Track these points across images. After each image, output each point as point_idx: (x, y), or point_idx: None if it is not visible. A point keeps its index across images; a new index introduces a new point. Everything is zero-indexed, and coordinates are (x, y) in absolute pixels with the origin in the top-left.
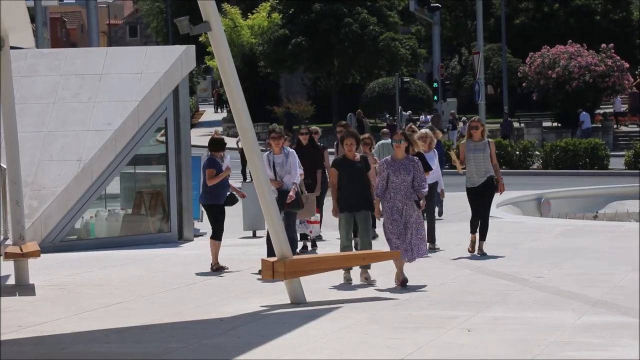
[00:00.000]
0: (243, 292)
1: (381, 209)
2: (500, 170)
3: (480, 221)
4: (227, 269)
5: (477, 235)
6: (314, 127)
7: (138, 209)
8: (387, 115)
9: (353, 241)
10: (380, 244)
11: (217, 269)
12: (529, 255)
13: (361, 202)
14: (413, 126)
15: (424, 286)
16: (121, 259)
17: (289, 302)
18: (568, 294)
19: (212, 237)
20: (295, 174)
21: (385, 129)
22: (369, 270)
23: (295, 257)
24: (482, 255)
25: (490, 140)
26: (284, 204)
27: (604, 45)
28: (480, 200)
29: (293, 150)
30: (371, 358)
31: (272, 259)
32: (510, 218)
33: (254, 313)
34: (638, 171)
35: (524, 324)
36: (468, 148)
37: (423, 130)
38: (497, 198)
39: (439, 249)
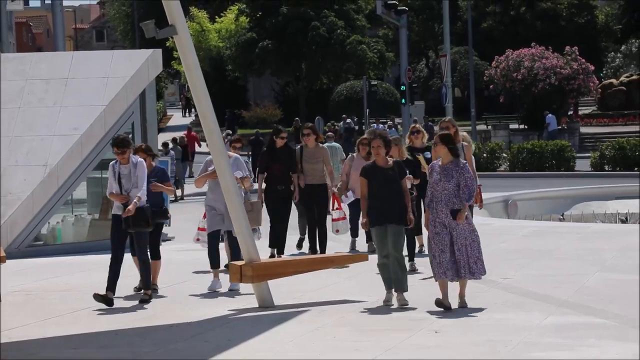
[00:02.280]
0: (212, 296)
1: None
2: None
3: None
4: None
5: None
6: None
7: (105, 214)
8: (355, 119)
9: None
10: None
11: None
12: (496, 257)
13: (393, 214)
14: (418, 125)
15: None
16: (88, 264)
17: (257, 305)
18: (535, 295)
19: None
20: (142, 187)
21: (330, 132)
22: (405, 294)
23: (263, 260)
24: None
25: (464, 143)
26: (127, 222)
27: (568, 47)
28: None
29: (142, 160)
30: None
31: (239, 263)
32: (478, 220)
33: (222, 317)
34: (604, 172)
35: (491, 325)
36: None
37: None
38: None
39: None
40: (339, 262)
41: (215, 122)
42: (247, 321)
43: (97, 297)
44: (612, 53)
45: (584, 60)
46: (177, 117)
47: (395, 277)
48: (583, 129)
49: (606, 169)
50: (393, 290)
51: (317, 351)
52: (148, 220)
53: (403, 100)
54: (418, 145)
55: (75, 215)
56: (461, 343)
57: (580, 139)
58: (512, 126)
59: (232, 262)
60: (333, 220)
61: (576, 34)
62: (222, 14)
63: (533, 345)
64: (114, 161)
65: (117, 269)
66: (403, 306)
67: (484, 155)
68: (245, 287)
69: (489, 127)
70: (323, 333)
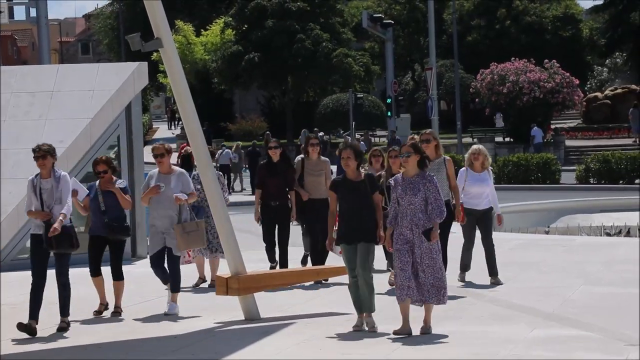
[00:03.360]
0: (197, 309)
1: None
2: None
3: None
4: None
5: None
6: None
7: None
8: (342, 132)
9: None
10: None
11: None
12: (482, 269)
13: (362, 232)
14: (416, 137)
15: (378, 303)
16: (73, 277)
17: (244, 318)
18: (521, 308)
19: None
20: (67, 203)
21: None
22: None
23: (249, 272)
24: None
25: (446, 157)
26: (50, 242)
27: (546, 61)
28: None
29: (66, 174)
30: None
31: (225, 275)
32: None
33: (208, 330)
34: (589, 185)
35: (477, 338)
36: None
37: (475, 147)
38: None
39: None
40: (325, 274)
41: (202, 134)
42: (234, 334)
43: (21, 326)
44: (599, 67)
45: (568, 74)
46: (163, 130)
47: (362, 299)
48: (568, 142)
49: (591, 182)
50: (363, 314)
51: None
52: (72, 241)
53: (389, 113)
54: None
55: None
56: (447, 356)
57: (566, 152)
58: (497, 139)
59: (218, 275)
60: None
61: (561, 48)
62: (207, 27)
63: (519, 358)
64: (33, 175)
65: (39, 295)
66: (372, 330)
67: None
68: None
69: (475, 139)
70: (309, 345)
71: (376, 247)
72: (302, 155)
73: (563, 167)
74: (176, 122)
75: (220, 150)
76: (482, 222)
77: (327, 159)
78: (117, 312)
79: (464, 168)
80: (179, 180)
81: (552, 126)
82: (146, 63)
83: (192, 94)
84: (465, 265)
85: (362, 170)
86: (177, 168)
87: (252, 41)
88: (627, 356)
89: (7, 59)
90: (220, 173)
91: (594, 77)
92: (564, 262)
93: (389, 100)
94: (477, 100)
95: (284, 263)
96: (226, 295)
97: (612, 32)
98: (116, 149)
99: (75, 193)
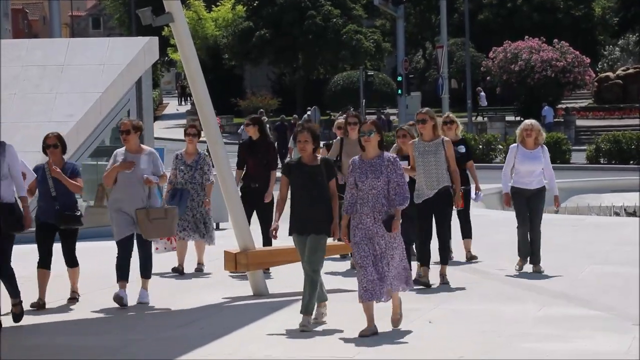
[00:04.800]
0: (205, 284)
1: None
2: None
3: (439, 244)
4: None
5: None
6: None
7: (100, 201)
8: (351, 109)
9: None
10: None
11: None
12: (492, 249)
13: (313, 222)
14: (451, 115)
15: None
16: (83, 251)
17: (252, 293)
18: (529, 287)
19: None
20: (19, 180)
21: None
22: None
23: (257, 248)
24: (444, 284)
25: (445, 138)
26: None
27: (555, 41)
28: (435, 219)
29: (11, 145)
30: (333, 348)
31: (234, 251)
32: (474, 211)
33: (216, 305)
34: (599, 165)
35: (485, 315)
36: (417, 150)
37: (527, 121)
38: None
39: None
40: (334, 251)
41: (212, 110)
42: (242, 309)
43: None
44: (610, 46)
45: (578, 52)
46: (173, 106)
47: (303, 296)
48: (579, 122)
49: (602, 162)
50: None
51: (310, 339)
52: (18, 221)
53: (399, 91)
54: (451, 137)
55: None
56: (454, 333)
57: (576, 132)
58: (508, 118)
59: (227, 250)
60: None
61: (573, 27)
62: (218, 3)
63: (526, 336)
64: None
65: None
66: (304, 330)
67: (480, 147)
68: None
69: (485, 118)
70: (317, 321)
71: None
72: (339, 135)
73: (573, 147)
74: (186, 98)
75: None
76: (532, 202)
77: None
78: (74, 298)
79: (514, 144)
80: (149, 161)
81: (563, 106)
82: (157, 38)
83: (202, 70)
84: (525, 253)
85: (317, 156)
86: (147, 147)
87: (263, 17)
88: (634, 335)
89: (18, 33)
90: (207, 153)
91: (605, 56)
92: (573, 242)
93: (399, 78)
94: (488, 78)
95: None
96: (234, 272)
97: (624, 11)
98: None
99: (23, 176)
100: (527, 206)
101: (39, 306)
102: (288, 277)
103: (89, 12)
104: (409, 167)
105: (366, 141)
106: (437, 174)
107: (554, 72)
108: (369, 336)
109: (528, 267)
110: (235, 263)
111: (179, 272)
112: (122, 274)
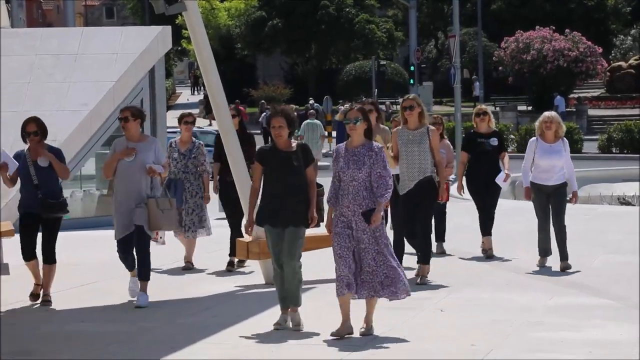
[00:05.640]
0: (218, 273)
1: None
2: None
3: (418, 239)
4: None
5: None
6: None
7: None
8: (363, 98)
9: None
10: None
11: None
12: (503, 238)
13: (289, 213)
14: (484, 106)
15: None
16: (96, 239)
17: (264, 282)
18: (541, 276)
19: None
20: None
21: (311, 110)
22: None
23: None
24: (421, 284)
25: (430, 127)
26: None
27: (567, 31)
28: (413, 212)
29: None
30: (344, 337)
31: (246, 239)
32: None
33: (229, 293)
34: (611, 155)
35: (496, 304)
36: (401, 139)
37: (547, 113)
38: None
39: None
40: (313, 244)
41: (224, 98)
42: (255, 297)
43: None
44: (622, 36)
45: (590, 43)
46: (185, 95)
47: (289, 291)
48: (591, 112)
49: (613, 151)
50: (288, 309)
51: (323, 327)
52: None
53: (412, 81)
54: (483, 130)
55: (84, 191)
56: (465, 322)
57: (588, 122)
58: (520, 108)
59: (239, 239)
60: None
61: (585, 16)
62: None
63: (538, 326)
64: None
65: None
66: (297, 328)
67: None
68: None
69: (497, 108)
70: (329, 310)
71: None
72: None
73: (585, 137)
74: (199, 87)
75: (264, 113)
76: (553, 199)
77: (386, 127)
78: (46, 301)
79: (533, 138)
80: (150, 149)
81: (575, 95)
82: (170, 27)
83: (215, 60)
84: (544, 250)
85: (293, 141)
86: (148, 135)
87: (275, 7)
88: None
89: (32, 22)
90: (202, 142)
91: (617, 46)
92: (584, 231)
93: (411, 68)
94: (500, 68)
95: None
96: (246, 259)
97: (637, 0)
98: None
99: (5, 167)
100: (548, 203)
101: (37, 294)
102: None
103: (103, 1)
104: (392, 155)
105: (351, 129)
106: (420, 165)
107: (566, 62)
108: (343, 338)
109: (535, 254)
110: (248, 251)
111: (189, 268)
112: (129, 265)
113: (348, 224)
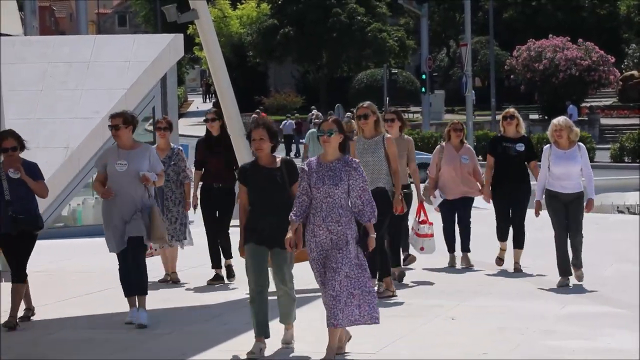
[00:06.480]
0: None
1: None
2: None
3: (379, 254)
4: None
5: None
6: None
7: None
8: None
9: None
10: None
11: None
12: (512, 247)
13: (275, 233)
14: (512, 109)
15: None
16: (102, 246)
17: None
18: (551, 285)
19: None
20: None
21: (316, 120)
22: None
23: None
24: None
25: (386, 135)
26: None
27: (580, 40)
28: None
29: None
30: (355, 345)
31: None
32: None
33: (239, 300)
34: (623, 164)
35: (507, 313)
36: (358, 149)
37: (555, 121)
38: None
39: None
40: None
41: (235, 104)
42: None
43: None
44: (634, 45)
45: (603, 52)
46: (197, 103)
47: (285, 312)
48: (603, 121)
49: (626, 160)
50: (264, 338)
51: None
52: None
53: (423, 89)
54: (510, 134)
55: (95, 198)
56: (476, 330)
57: (601, 131)
58: (532, 116)
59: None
60: (418, 235)
61: (597, 25)
62: (243, 1)
63: (549, 334)
64: None
65: None
66: (287, 346)
67: None
68: None
69: None
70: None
71: None
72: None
73: (597, 146)
74: (211, 95)
75: (285, 121)
76: (570, 209)
77: (410, 138)
78: (12, 327)
79: (547, 145)
80: (144, 157)
81: (587, 104)
82: (182, 35)
83: (227, 68)
84: (565, 270)
85: (277, 156)
86: (142, 143)
87: (287, 15)
88: None
89: (45, 30)
90: (181, 147)
91: (630, 55)
92: (597, 240)
93: (423, 76)
94: (512, 77)
95: (226, 250)
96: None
97: None
98: (151, 120)
99: None
100: (565, 213)
101: (28, 317)
102: (307, 273)
103: (115, 9)
104: None
105: (325, 141)
106: (372, 174)
107: (579, 71)
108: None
109: (545, 263)
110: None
111: (175, 281)
112: (130, 285)
113: (322, 246)
